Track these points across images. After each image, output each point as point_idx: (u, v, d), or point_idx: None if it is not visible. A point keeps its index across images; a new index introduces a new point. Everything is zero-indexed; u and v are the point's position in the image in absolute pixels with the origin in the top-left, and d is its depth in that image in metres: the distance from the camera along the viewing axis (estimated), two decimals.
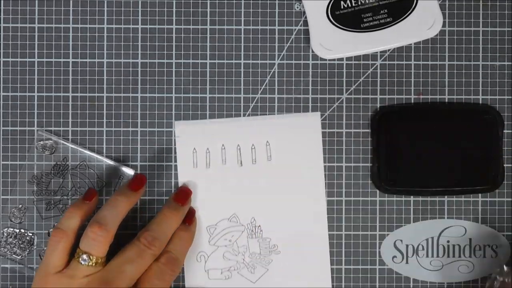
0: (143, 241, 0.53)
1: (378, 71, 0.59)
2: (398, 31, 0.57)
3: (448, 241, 0.59)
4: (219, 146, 0.58)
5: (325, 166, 0.59)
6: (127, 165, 0.59)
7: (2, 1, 0.59)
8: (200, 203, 0.58)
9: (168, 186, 0.59)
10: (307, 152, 0.58)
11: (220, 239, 0.58)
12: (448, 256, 0.59)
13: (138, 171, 0.59)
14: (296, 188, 0.58)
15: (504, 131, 0.59)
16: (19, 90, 0.59)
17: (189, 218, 0.57)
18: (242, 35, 0.59)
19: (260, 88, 0.59)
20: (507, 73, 0.59)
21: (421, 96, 0.59)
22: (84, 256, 0.52)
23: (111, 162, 0.59)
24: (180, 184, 0.58)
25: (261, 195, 0.58)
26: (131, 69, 0.59)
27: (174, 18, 0.59)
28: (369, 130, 0.59)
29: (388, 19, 0.57)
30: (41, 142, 0.58)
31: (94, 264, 0.52)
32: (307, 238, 0.58)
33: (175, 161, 0.59)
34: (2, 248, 0.59)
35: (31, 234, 0.59)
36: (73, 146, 0.58)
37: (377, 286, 0.59)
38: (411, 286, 0.59)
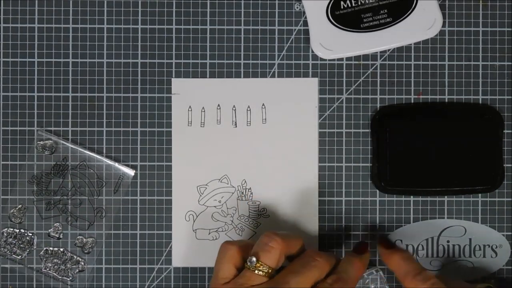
0: (309, 253, 0.52)
1: (378, 71, 0.59)
2: (398, 31, 0.57)
3: (448, 241, 0.59)
4: (215, 106, 0.59)
5: (325, 166, 0.59)
6: (127, 165, 0.59)
7: (2, 1, 0.59)
8: (192, 162, 0.59)
9: (168, 186, 0.59)
10: (302, 118, 0.59)
11: (210, 199, 0.59)
12: (448, 256, 0.59)
13: (138, 171, 0.59)
14: (289, 153, 0.59)
15: (504, 131, 0.59)
16: (19, 90, 0.59)
17: (363, 247, 0.56)
18: (242, 35, 0.59)
19: None
20: (507, 73, 0.59)
21: (421, 96, 0.59)
22: (258, 264, 0.51)
23: (111, 162, 0.59)
24: (173, 142, 0.58)
25: (253, 158, 0.59)
26: (131, 69, 0.59)
27: (174, 18, 0.59)
28: (369, 130, 0.59)
29: (388, 19, 0.57)
30: (41, 142, 0.58)
31: (265, 274, 0.51)
32: (297, 203, 0.59)
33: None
34: (2, 248, 0.59)
35: (31, 234, 0.59)
36: (73, 146, 0.58)
37: (378, 286, 0.59)
38: None
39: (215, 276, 0.52)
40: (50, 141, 0.58)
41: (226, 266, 0.52)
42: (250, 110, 0.59)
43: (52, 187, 0.59)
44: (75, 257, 0.59)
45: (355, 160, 0.59)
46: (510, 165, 0.59)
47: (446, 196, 0.59)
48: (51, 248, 0.59)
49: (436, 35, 0.58)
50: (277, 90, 0.59)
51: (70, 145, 0.58)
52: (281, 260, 0.52)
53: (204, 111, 0.59)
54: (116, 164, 0.59)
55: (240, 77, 0.59)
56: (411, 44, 0.59)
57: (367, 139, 0.59)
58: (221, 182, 0.59)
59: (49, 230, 0.59)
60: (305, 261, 0.52)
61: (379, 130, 0.58)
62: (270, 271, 0.51)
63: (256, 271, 0.51)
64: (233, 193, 0.59)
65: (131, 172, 0.59)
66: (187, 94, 0.59)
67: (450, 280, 0.55)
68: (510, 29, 0.59)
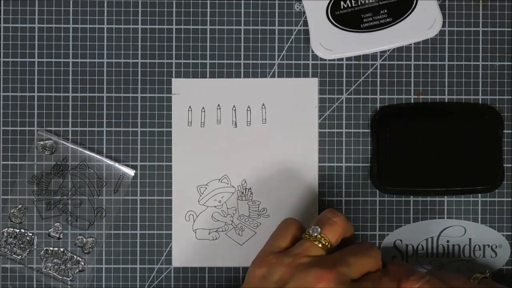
0: (366, 243, 0.53)
1: (378, 71, 0.59)
2: (398, 31, 0.57)
3: (448, 241, 0.59)
4: (215, 106, 0.59)
5: (325, 166, 0.59)
6: (127, 165, 0.59)
7: (2, 1, 0.59)
8: (192, 162, 0.59)
9: (168, 186, 0.59)
10: (302, 118, 0.59)
11: (210, 199, 0.59)
12: (448, 256, 0.59)
13: (138, 171, 0.59)
14: (289, 152, 0.59)
15: (504, 131, 0.59)
16: (19, 90, 0.59)
17: None
18: (242, 35, 0.59)
19: None
20: (507, 73, 0.59)
21: (421, 96, 0.59)
22: (319, 236, 0.50)
23: (111, 162, 0.59)
24: (173, 142, 0.59)
25: (253, 158, 0.59)
26: (131, 69, 0.59)
27: (174, 18, 0.59)
28: (369, 130, 0.59)
29: (388, 19, 0.57)
30: (41, 142, 0.58)
31: (323, 246, 0.50)
32: (297, 203, 0.59)
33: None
34: (2, 248, 0.59)
35: (31, 234, 0.59)
36: (73, 146, 0.58)
37: None
38: None
39: (269, 244, 0.52)
40: (50, 141, 0.58)
41: (284, 237, 0.52)
42: (250, 110, 0.59)
43: (52, 187, 0.59)
44: (75, 257, 0.59)
45: (355, 160, 0.59)
46: (510, 165, 0.59)
47: (446, 196, 0.59)
48: (51, 248, 0.59)
49: (436, 35, 0.58)
50: (277, 90, 0.59)
51: (70, 145, 0.58)
52: (339, 238, 0.52)
53: (204, 111, 0.59)
54: (116, 164, 0.59)
55: (240, 77, 0.59)
56: (411, 44, 0.59)
57: (367, 139, 0.59)
58: (221, 182, 0.59)
59: (49, 230, 0.59)
60: (365, 248, 0.51)
61: (379, 130, 0.58)
62: (329, 245, 0.51)
63: (316, 242, 0.50)
64: (233, 193, 0.59)
65: (131, 172, 0.59)
66: (187, 94, 0.59)
67: (445, 273, 0.54)
68: (510, 29, 0.59)
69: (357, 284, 0.50)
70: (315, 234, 0.51)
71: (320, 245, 0.50)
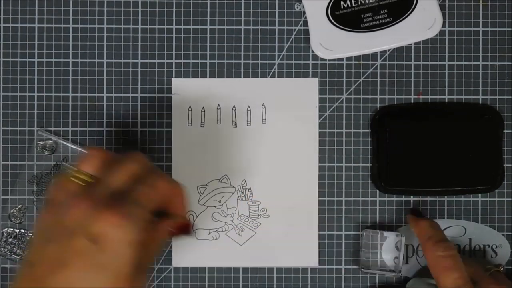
0: None
1: (378, 71, 0.59)
2: (398, 31, 0.57)
3: None
4: (215, 106, 0.59)
5: (325, 166, 0.59)
6: None
7: (2, 1, 0.59)
8: (192, 162, 0.59)
9: None
10: (302, 118, 0.59)
11: (210, 199, 0.59)
12: None
13: None
14: (289, 152, 0.59)
15: (504, 131, 0.59)
16: (19, 90, 0.59)
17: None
18: (242, 35, 0.59)
19: None
20: (507, 73, 0.59)
21: (421, 96, 0.59)
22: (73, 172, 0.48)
23: None
24: (173, 142, 0.58)
25: (253, 158, 0.59)
26: (131, 69, 0.59)
27: (174, 18, 0.59)
28: (369, 130, 0.59)
29: (388, 19, 0.57)
30: (41, 142, 0.58)
31: (83, 180, 0.48)
32: (297, 203, 0.59)
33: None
34: (2, 248, 0.59)
35: (31, 234, 0.59)
36: (73, 146, 0.58)
37: (377, 286, 0.59)
38: None
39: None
40: (50, 141, 0.58)
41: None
42: (250, 110, 0.59)
43: None
44: None
45: (355, 160, 0.59)
46: (510, 165, 0.59)
47: (446, 196, 0.59)
48: None
49: (436, 35, 0.58)
50: (277, 90, 0.59)
51: (70, 145, 0.58)
52: (101, 167, 0.48)
53: (204, 111, 0.59)
54: None
55: (240, 77, 0.59)
56: (411, 44, 0.59)
57: (367, 139, 0.59)
58: (221, 182, 0.59)
59: None
60: (123, 161, 0.48)
61: (379, 130, 0.58)
62: (90, 177, 0.48)
63: (74, 179, 0.48)
64: (233, 193, 0.59)
65: None
66: (187, 94, 0.59)
67: (465, 259, 0.55)
68: (510, 29, 0.59)
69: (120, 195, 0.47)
70: (69, 171, 0.48)
71: (79, 180, 0.47)
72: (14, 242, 0.59)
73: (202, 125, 0.59)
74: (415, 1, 0.57)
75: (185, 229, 0.52)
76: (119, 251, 0.44)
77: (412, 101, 0.59)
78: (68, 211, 0.45)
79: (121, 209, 0.45)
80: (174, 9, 0.59)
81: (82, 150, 0.51)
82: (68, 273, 0.44)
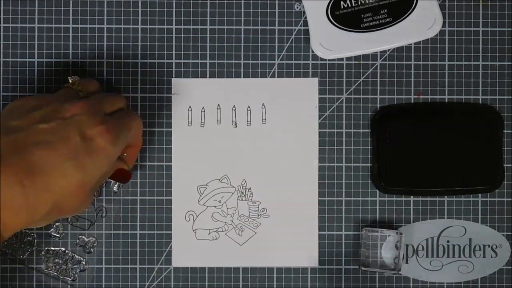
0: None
1: (378, 71, 0.59)
2: (398, 31, 0.57)
3: (448, 241, 0.59)
4: (215, 106, 0.59)
5: (325, 166, 0.59)
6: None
7: (2, 1, 0.59)
8: (192, 162, 0.59)
9: (168, 186, 0.59)
10: (302, 117, 0.59)
11: (210, 199, 0.59)
12: (448, 256, 0.59)
13: (138, 171, 0.59)
14: (289, 152, 0.59)
15: (504, 131, 0.59)
16: (19, 90, 0.59)
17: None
18: (242, 35, 0.59)
19: None
20: (507, 73, 0.59)
21: (421, 96, 0.59)
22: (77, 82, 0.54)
23: None
24: (173, 142, 0.59)
25: (253, 158, 0.59)
26: (131, 69, 0.59)
27: (174, 18, 0.59)
28: (369, 130, 0.59)
29: (388, 19, 0.57)
30: None
31: (79, 91, 0.53)
32: (297, 203, 0.59)
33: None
34: (2, 248, 0.59)
35: (31, 234, 0.59)
36: None
37: (377, 286, 0.59)
38: (411, 286, 0.59)
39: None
40: None
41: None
42: (250, 110, 0.59)
43: None
44: (76, 256, 0.59)
45: (355, 160, 0.59)
46: (510, 165, 0.59)
47: (446, 196, 0.59)
48: (52, 248, 0.59)
49: (436, 35, 0.58)
50: (277, 90, 0.59)
51: None
52: (96, 90, 0.55)
53: (204, 111, 0.59)
54: None
55: (240, 77, 0.59)
56: (411, 44, 0.59)
57: (367, 139, 0.59)
58: (221, 182, 0.59)
59: (50, 230, 0.59)
60: (114, 94, 0.55)
61: (379, 130, 0.58)
62: (84, 92, 0.54)
63: (74, 86, 0.54)
64: (233, 193, 0.59)
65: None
66: (187, 94, 0.59)
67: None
68: (510, 29, 0.59)
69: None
70: (72, 80, 0.53)
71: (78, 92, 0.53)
72: (14, 242, 0.59)
73: (202, 125, 0.59)
74: (415, 1, 0.57)
75: (125, 176, 0.56)
76: (100, 162, 0.49)
77: (412, 101, 0.59)
78: (71, 106, 0.49)
79: (114, 130, 0.50)
80: (174, 9, 0.59)
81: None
82: (50, 152, 0.47)
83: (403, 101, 0.59)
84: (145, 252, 0.59)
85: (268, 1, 0.59)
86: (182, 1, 0.59)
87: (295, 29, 0.59)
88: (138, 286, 0.59)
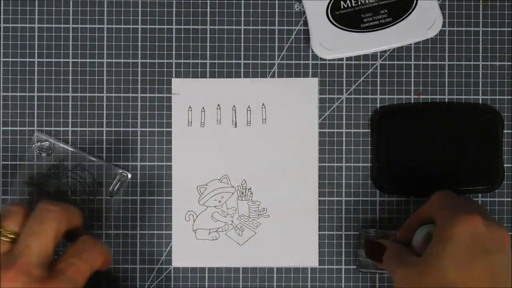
0: (41, 204, 0.49)
1: (378, 71, 0.59)
2: (398, 31, 0.57)
3: None
4: (215, 106, 0.59)
5: (325, 166, 0.59)
6: (127, 165, 0.59)
7: (2, 1, 0.59)
8: (192, 162, 0.59)
9: (168, 186, 0.59)
10: (302, 117, 0.59)
11: (210, 199, 0.59)
12: None
13: (138, 171, 0.59)
14: (289, 153, 0.59)
15: (504, 131, 0.59)
16: (19, 90, 0.59)
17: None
18: (242, 35, 0.59)
19: None
20: (507, 73, 0.59)
21: (421, 96, 0.59)
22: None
23: (107, 164, 0.59)
24: (173, 142, 0.58)
25: (253, 158, 0.59)
26: (131, 69, 0.59)
27: (174, 18, 0.59)
28: (369, 130, 0.59)
29: (388, 19, 0.57)
30: (38, 144, 0.58)
31: (7, 237, 0.47)
32: (297, 203, 0.59)
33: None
34: None
35: None
36: (70, 148, 0.58)
37: (377, 286, 0.59)
38: None
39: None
40: (47, 142, 0.58)
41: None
42: (250, 110, 0.59)
43: (50, 188, 0.58)
44: None
45: (355, 160, 0.59)
46: (510, 165, 0.59)
47: None
48: None
49: (436, 35, 0.58)
50: (277, 90, 0.59)
51: (67, 147, 0.58)
52: (22, 224, 0.48)
53: (204, 111, 0.59)
54: (113, 166, 0.58)
55: (240, 77, 0.59)
56: (411, 44, 0.59)
57: (367, 139, 0.59)
58: (221, 182, 0.59)
59: None
60: (39, 216, 0.48)
61: (379, 130, 0.58)
62: (14, 235, 0.47)
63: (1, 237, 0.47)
64: (233, 193, 0.59)
65: (129, 175, 0.58)
66: (187, 94, 0.59)
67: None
68: (510, 29, 0.59)
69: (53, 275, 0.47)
70: None
71: (5, 238, 0.47)
72: None
73: (202, 125, 0.59)
74: (415, 1, 0.57)
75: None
76: None
77: (412, 101, 0.59)
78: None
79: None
80: (174, 9, 0.59)
81: (5, 208, 0.50)
82: None
83: (403, 101, 0.59)
84: (145, 252, 0.59)
85: (268, 1, 0.59)
86: (182, 1, 0.59)
87: (295, 29, 0.59)
88: (138, 286, 0.59)
